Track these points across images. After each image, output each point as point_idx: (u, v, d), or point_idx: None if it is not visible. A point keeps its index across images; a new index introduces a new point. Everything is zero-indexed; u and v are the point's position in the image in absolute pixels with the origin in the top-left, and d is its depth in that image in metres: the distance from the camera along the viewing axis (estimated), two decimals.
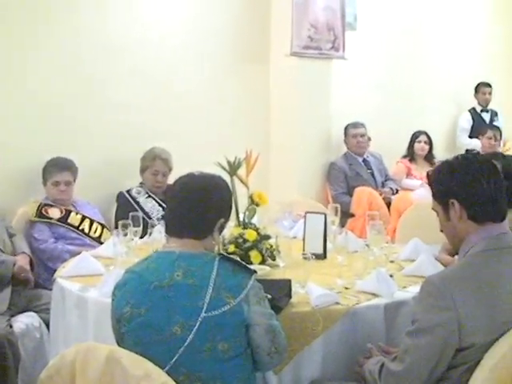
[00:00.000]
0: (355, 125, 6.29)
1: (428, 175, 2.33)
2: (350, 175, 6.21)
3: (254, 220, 3.50)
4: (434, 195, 2.31)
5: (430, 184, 2.33)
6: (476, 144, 7.05)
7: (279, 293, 2.69)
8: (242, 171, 3.50)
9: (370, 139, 6.40)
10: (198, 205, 2.27)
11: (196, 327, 2.11)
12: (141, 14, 5.21)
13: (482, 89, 7.83)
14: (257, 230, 3.38)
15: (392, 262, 3.46)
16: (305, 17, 5.59)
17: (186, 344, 2.11)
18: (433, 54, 7.61)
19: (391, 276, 3.07)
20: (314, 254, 3.13)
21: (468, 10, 8.09)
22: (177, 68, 5.42)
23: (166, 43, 5.35)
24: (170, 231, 2.32)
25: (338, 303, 2.76)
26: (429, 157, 6.89)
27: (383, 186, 6.28)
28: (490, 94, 7.84)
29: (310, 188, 6.18)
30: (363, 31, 6.54)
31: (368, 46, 6.71)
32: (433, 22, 7.59)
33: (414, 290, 2.96)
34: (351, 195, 5.98)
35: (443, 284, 2.09)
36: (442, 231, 2.35)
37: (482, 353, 2.02)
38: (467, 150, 7.50)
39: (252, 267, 2.45)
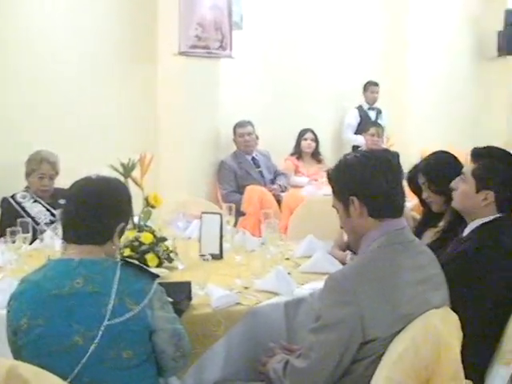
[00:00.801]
0: (242, 124, 6.32)
1: (328, 173, 2.37)
2: (239, 174, 6.23)
3: (149, 222, 3.45)
4: (334, 193, 2.34)
5: (329, 182, 2.36)
6: (361, 140, 7.25)
7: (179, 296, 2.65)
8: (135, 173, 3.43)
9: (257, 138, 6.44)
10: (97, 209, 2.20)
11: (99, 336, 2.05)
12: (20, 11, 5.02)
13: (370, 87, 8.07)
14: (153, 232, 3.33)
15: (288, 259, 3.49)
16: (192, 16, 5.56)
17: (88, 354, 2.04)
18: (320, 53, 7.75)
19: (289, 274, 3.10)
20: (210, 255, 3.12)
21: (355, 9, 8.29)
22: (59, 68, 5.27)
23: (48, 42, 5.19)
24: (68, 238, 2.23)
25: (238, 303, 2.75)
26: (315, 154, 7.00)
27: (272, 183, 6.34)
28: (377, 92, 8.09)
29: (200, 187, 6.17)
30: (250, 30, 6.58)
31: (255, 45, 6.76)
32: (320, 22, 7.72)
33: (311, 286, 3.00)
34: (241, 193, 6.00)
35: (345, 280, 2.13)
36: (342, 227, 2.38)
37: (386, 345, 2.06)
38: (353, 146, 7.72)
39: None
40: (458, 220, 3.02)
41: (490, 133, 10.22)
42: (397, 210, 2.27)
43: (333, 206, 2.36)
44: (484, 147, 2.80)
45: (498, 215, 2.65)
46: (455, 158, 3.34)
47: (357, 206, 2.23)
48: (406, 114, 8.87)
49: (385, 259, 2.17)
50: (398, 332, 2.07)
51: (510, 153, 2.73)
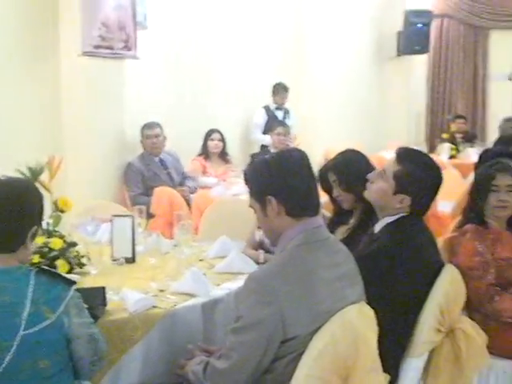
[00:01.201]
0: (150, 125, 6.24)
1: (244, 173, 2.37)
2: (147, 176, 6.16)
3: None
4: (251, 193, 2.35)
5: (246, 182, 2.37)
6: (268, 140, 7.29)
7: (93, 302, 2.60)
8: (43, 176, 3.34)
9: (165, 139, 6.38)
10: (8, 214, 2.12)
11: (14, 347, 1.98)
12: None
13: (280, 91, 8.16)
14: (62, 237, 3.25)
15: (202, 260, 3.49)
16: (95, 15, 5.43)
17: (4, 365, 1.97)
18: (226, 53, 7.76)
19: (204, 275, 3.09)
20: (123, 258, 3.08)
21: (259, 9, 8.34)
22: None
23: None
24: None
25: (155, 307, 2.73)
26: (223, 154, 7.01)
27: (181, 185, 6.30)
28: (286, 97, 8.20)
29: (107, 190, 6.05)
30: (154, 30, 6.51)
31: (160, 46, 6.69)
32: (225, 22, 7.72)
33: (228, 286, 3.01)
34: (149, 196, 5.93)
35: (265, 279, 2.14)
36: (259, 227, 2.39)
37: (307, 343, 2.08)
38: (262, 146, 7.77)
39: None
40: (369, 217, 3.09)
41: (392, 132, 10.53)
42: (313, 208, 2.30)
43: (250, 206, 2.37)
44: (410, 150, 2.86)
45: (408, 214, 2.72)
46: (364, 156, 3.41)
47: (274, 205, 2.25)
48: (311, 114, 9.01)
49: (303, 258, 2.20)
50: (318, 329, 2.10)
51: (433, 162, 2.78)
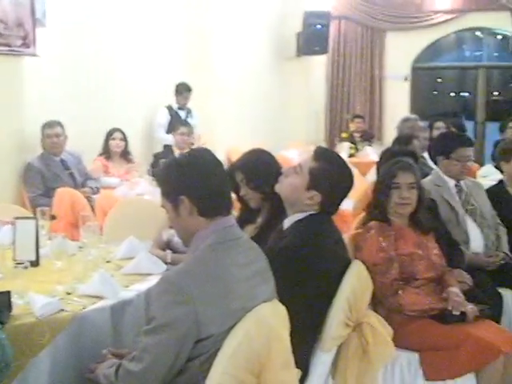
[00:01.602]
0: (51, 124, 6.08)
1: (157, 174, 2.35)
2: (47, 176, 5.99)
3: None
4: (162, 193, 2.33)
5: (158, 182, 2.35)
6: (172, 140, 7.24)
7: None
8: None
9: (66, 138, 6.23)
10: None
11: None
12: None
13: (182, 91, 8.13)
14: None
15: (109, 262, 3.43)
16: None
17: None
18: (127, 52, 7.65)
19: (112, 276, 3.05)
20: (27, 262, 3.00)
21: (159, 9, 8.27)
22: None
23: None
24: None
25: (62, 310, 2.67)
26: (125, 154, 6.91)
27: (83, 185, 6.17)
28: (188, 97, 8.19)
29: (5, 191, 5.87)
30: (54, 28, 6.34)
31: (59, 43, 6.52)
32: (126, 20, 7.62)
33: (137, 288, 2.98)
34: (50, 197, 5.78)
35: (179, 279, 2.13)
36: (171, 227, 2.38)
37: (221, 341, 2.09)
38: (165, 146, 7.72)
39: None
40: (276, 215, 3.13)
41: (292, 131, 10.70)
42: (226, 207, 2.31)
43: (162, 206, 2.36)
44: (328, 150, 2.99)
45: (317, 212, 2.77)
46: (271, 155, 3.45)
47: (187, 205, 2.24)
48: (214, 114, 9.02)
49: (216, 257, 2.20)
50: (232, 327, 2.11)
51: (345, 163, 2.84)
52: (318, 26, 10.86)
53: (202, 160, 2.29)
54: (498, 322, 3.68)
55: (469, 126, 11.25)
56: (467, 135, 5.76)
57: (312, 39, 10.80)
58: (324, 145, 10.98)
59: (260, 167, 3.32)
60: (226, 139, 8.82)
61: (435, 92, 14.17)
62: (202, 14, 8.84)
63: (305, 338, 2.56)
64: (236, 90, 9.43)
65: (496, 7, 10.97)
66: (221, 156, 7.08)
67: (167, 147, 7.55)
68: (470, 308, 3.26)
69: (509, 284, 4.08)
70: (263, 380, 2.15)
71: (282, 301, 2.32)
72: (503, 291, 3.99)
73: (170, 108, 8.14)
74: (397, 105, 11.47)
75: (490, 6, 10.99)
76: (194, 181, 2.24)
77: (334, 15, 11.40)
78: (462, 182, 4.39)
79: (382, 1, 11.58)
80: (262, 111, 10.04)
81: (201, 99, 8.47)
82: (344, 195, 2.79)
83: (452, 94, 14.30)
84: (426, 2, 11.37)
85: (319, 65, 11.75)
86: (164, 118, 8.10)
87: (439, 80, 14.01)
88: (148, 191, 5.71)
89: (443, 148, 4.40)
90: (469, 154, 4.36)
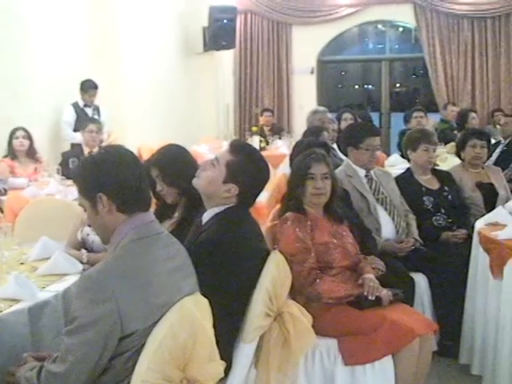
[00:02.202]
0: None
1: (73, 171, 2.32)
2: None
3: None
4: (79, 191, 2.30)
5: (75, 181, 2.32)
6: (80, 138, 7.11)
7: None
8: None
9: None
10: None
11: None
12: None
13: (88, 88, 7.98)
14: None
15: (23, 263, 3.36)
16: None
17: None
18: (35, 49, 7.46)
19: (27, 278, 2.98)
20: None
21: (68, 5, 8.11)
22: None
23: None
24: None
25: None
26: (30, 153, 6.72)
27: None
28: (95, 95, 8.04)
29: None
30: None
31: None
32: (36, 16, 7.45)
33: (54, 288, 2.93)
34: None
35: (100, 277, 2.11)
36: (90, 226, 2.36)
37: (145, 337, 2.08)
38: (72, 144, 7.57)
39: None
40: (193, 210, 3.14)
41: (202, 126, 10.70)
42: (145, 203, 2.30)
43: (79, 205, 2.32)
44: (244, 143, 3.03)
45: (235, 205, 2.79)
46: (186, 150, 3.45)
47: (105, 202, 2.22)
48: (123, 110, 8.91)
49: (137, 253, 2.19)
50: (156, 322, 2.11)
51: (261, 156, 2.87)
52: (225, 21, 10.87)
53: (118, 156, 2.28)
54: (411, 305, 3.81)
55: (374, 117, 11.57)
56: (374, 125, 5.92)
57: (219, 34, 10.81)
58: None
59: (175, 163, 3.32)
60: (135, 136, 8.72)
61: (340, 85, 14.48)
62: (107, 11, 8.70)
63: (228, 329, 2.58)
64: (144, 86, 9.35)
65: (399, 0, 11.28)
66: None
67: (76, 146, 7.39)
68: (385, 293, 3.36)
69: (420, 268, 4.23)
70: (189, 373, 2.16)
71: (204, 294, 2.33)
72: (415, 275, 4.12)
73: (76, 105, 7.98)
74: (304, 98, 11.64)
75: (392, 0, 11.30)
76: (110, 177, 2.22)
77: (239, 10, 11.46)
78: (371, 172, 4.51)
79: None
80: (172, 107, 9.99)
81: (109, 96, 8.35)
82: (261, 188, 2.83)
83: (357, 87, 14.65)
84: None
85: (227, 60, 11.79)
86: (70, 115, 7.93)
87: (344, 73, 14.33)
88: (58, 191, 5.60)
89: (352, 138, 4.51)
90: (377, 143, 4.49)
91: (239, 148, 2.83)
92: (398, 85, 13.36)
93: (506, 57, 10.92)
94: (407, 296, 3.75)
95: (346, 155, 4.67)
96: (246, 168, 2.75)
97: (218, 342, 2.28)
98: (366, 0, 11.47)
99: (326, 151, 3.99)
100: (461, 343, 4.00)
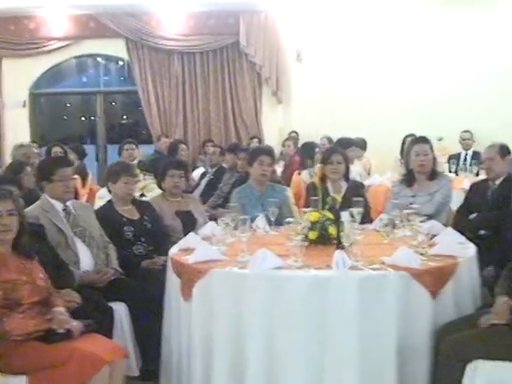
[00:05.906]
0: None
1: None
2: None
3: None
4: None
5: None
6: None
7: None
8: None
9: None
10: None
11: None
12: None
13: None
14: None
15: None
16: None
17: None
18: None
19: None
20: None
21: None
22: None
23: None
24: None
25: None
26: None
27: None
28: None
29: None
30: None
31: None
32: None
33: None
34: None
35: None
36: None
37: None
38: None
39: None
40: None
41: None
42: None
43: None
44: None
45: None
46: None
47: None
48: None
49: None
50: None
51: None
52: None
53: None
54: (110, 334, 3.89)
55: (92, 149, 11.61)
56: (66, 157, 5.96)
57: None
58: None
59: None
60: None
61: (59, 117, 14.31)
62: None
63: None
64: None
65: (111, 35, 11.41)
66: None
67: None
68: (74, 324, 3.40)
69: (121, 297, 4.32)
70: None
71: None
72: (114, 305, 4.20)
73: None
74: (18, 131, 11.33)
75: (104, 34, 11.40)
76: None
77: None
78: (69, 205, 4.54)
79: None
80: None
81: None
82: None
83: (83, 118, 14.59)
84: (40, 29, 11.37)
85: None
86: None
87: (69, 105, 14.20)
88: None
89: (44, 173, 4.51)
90: (69, 173, 4.55)
91: None
92: (124, 116, 13.50)
93: (215, 90, 11.50)
94: (105, 325, 3.84)
95: (42, 190, 4.64)
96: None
97: None
98: (78, 33, 11.41)
99: (18, 188, 3.96)
100: (160, 365, 4.15)
